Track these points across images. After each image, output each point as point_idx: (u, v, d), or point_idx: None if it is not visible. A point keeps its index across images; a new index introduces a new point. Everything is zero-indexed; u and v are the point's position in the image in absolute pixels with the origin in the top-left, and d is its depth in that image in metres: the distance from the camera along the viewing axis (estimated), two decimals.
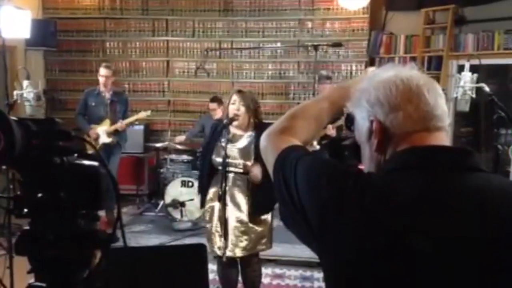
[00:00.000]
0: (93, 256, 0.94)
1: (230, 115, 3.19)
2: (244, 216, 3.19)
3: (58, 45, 6.74)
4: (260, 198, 3.14)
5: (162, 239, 4.98)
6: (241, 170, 3.20)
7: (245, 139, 3.25)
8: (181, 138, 6.31)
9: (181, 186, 5.51)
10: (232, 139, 3.25)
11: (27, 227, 0.94)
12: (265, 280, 3.97)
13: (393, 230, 0.92)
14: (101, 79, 5.52)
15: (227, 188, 3.17)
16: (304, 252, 4.79)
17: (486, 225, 0.91)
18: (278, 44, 6.80)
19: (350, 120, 1.44)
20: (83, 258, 0.94)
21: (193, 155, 6.25)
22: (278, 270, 4.46)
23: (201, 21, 6.92)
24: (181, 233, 5.30)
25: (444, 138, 1.03)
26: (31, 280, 0.96)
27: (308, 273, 4.47)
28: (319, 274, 4.43)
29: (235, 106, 3.18)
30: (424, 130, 1.00)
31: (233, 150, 3.22)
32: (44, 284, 0.94)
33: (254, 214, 3.20)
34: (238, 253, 3.20)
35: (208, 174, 3.27)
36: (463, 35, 5.97)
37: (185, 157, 6.28)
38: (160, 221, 5.63)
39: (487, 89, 2.36)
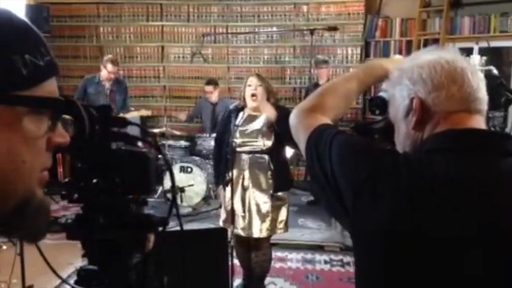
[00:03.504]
0: (147, 240, 0.95)
1: (247, 96, 3.28)
2: (266, 197, 3.27)
3: (51, 31, 6.62)
4: (279, 175, 3.26)
5: None
6: (260, 149, 3.28)
7: (261, 120, 3.31)
8: (183, 114, 6.41)
9: (180, 172, 5.50)
10: (248, 120, 3.33)
11: (79, 212, 0.95)
12: None
13: (428, 211, 0.93)
14: (107, 75, 5.51)
15: (247, 170, 3.27)
16: (305, 236, 4.87)
17: None
18: (274, 29, 6.78)
19: (374, 103, 1.45)
20: (136, 242, 0.95)
21: (191, 140, 6.24)
22: (280, 254, 4.50)
23: (195, 5, 6.86)
24: (181, 218, 5.31)
25: (482, 122, 1.04)
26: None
27: (309, 255, 4.52)
28: (320, 257, 4.49)
29: (252, 87, 3.27)
30: (465, 111, 1.02)
31: (250, 130, 3.29)
32: (95, 267, 0.95)
33: (274, 190, 3.29)
34: (264, 233, 3.28)
35: (226, 160, 3.31)
36: (459, 18, 5.99)
37: (182, 142, 6.25)
38: (160, 207, 5.61)
39: (495, 71, 2.38)
